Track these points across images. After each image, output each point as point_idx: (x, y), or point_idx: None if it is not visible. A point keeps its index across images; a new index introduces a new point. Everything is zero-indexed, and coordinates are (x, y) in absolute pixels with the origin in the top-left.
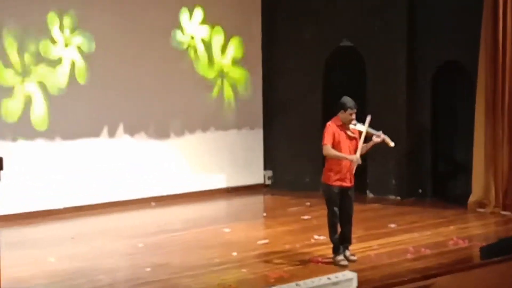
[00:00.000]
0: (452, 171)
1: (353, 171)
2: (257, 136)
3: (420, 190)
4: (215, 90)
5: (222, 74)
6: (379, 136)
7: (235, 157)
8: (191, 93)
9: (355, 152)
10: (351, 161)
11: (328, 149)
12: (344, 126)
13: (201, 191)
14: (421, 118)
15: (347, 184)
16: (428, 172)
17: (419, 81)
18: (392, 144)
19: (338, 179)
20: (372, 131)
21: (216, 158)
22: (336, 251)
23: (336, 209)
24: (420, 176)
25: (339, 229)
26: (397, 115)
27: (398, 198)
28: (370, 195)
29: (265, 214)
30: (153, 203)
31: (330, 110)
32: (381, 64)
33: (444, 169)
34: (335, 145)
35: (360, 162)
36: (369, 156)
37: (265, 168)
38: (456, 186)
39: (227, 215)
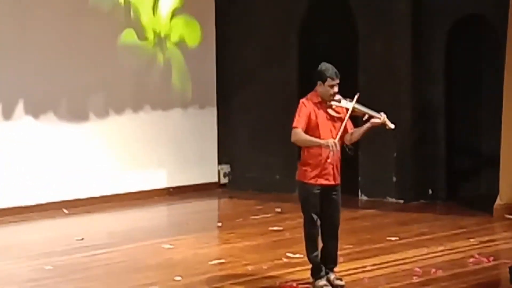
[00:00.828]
0: (473, 166)
1: (339, 167)
2: (209, 118)
3: (430, 191)
4: (151, 56)
5: (159, 37)
6: (376, 117)
7: (179, 146)
8: (117, 60)
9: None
10: (325, 147)
11: (297, 133)
12: (324, 104)
13: (133, 192)
14: (431, 94)
15: (330, 181)
16: (440, 167)
17: (428, 43)
18: (392, 126)
19: (317, 176)
20: (364, 109)
21: (153, 147)
22: (316, 274)
23: (315, 216)
24: (430, 172)
25: (320, 244)
26: (398, 91)
27: (401, 201)
28: (363, 197)
29: (219, 224)
30: (65, 210)
31: (309, 82)
32: (377, 19)
33: (461, 163)
34: (312, 129)
35: (337, 148)
36: (362, 145)
37: (220, 161)
38: (478, 185)
39: (169, 225)
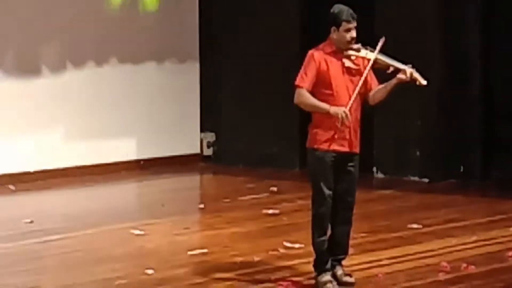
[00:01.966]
0: None
1: (358, 130)
2: (189, 75)
3: (461, 168)
4: None
5: None
6: (403, 71)
7: (152, 109)
8: (73, 3)
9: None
10: (335, 116)
11: (301, 94)
12: (340, 53)
13: (95, 165)
14: (465, 46)
15: (346, 148)
16: (474, 139)
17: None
18: (424, 82)
19: (330, 140)
20: (388, 60)
21: (120, 110)
22: (319, 266)
23: (327, 191)
24: (462, 144)
25: (329, 231)
26: (423, 42)
27: (425, 180)
28: (379, 175)
29: (202, 206)
30: (11, 186)
31: (316, 29)
32: None
33: (501, 133)
34: (324, 85)
35: (350, 118)
36: (377, 111)
37: (203, 128)
38: None
39: (139, 206)
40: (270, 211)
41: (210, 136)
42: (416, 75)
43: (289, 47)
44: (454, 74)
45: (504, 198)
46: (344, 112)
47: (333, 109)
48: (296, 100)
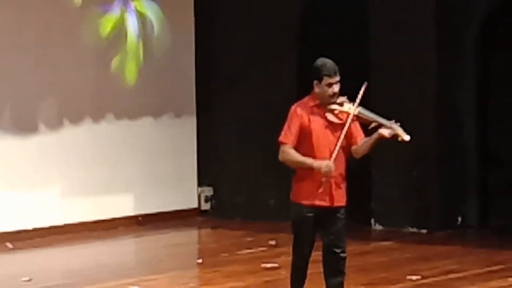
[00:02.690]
0: None
1: (341, 184)
2: (186, 129)
3: (459, 218)
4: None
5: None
6: (385, 127)
7: (149, 164)
8: (73, 58)
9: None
10: (319, 170)
11: (285, 151)
12: (322, 107)
13: (92, 222)
14: (461, 96)
15: (326, 203)
16: (472, 188)
17: (457, 34)
18: (407, 138)
19: (310, 195)
20: (371, 115)
21: (118, 165)
22: None
23: (306, 246)
24: (458, 193)
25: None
26: (420, 92)
27: (423, 231)
28: (377, 226)
29: (200, 261)
30: (9, 244)
31: (311, 83)
32: (393, 4)
33: (498, 181)
34: (306, 140)
35: (333, 172)
36: (375, 161)
37: (201, 183)
38: None
39: (137, 262)
40: (269, 265)
41: (208, 190)
42: (399, 131)
43: (287, 98)
44: (450, 123)
45: (502, 248)
46: (327, 165)
47: (316, 164)
48: (280, 157)
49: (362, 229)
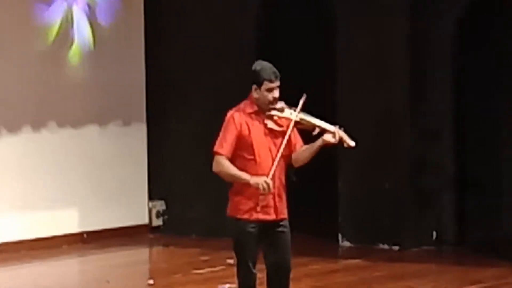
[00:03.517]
0: (490, 201)
1: (283, 195)
2: (136, 138)
3: (434, 233)
4: (58, 57)
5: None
6: (329, 132)
7: (95, 176)
8: (11, 62)
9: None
10: (255, 186)
11: (219, 163)
12: (261, 114)
13: (32, 240)
14: (435, 105)
15: (271, 216)
16: (447, 202)
17: (431, 35)
18: (352, 143)
19: (252, 209)
20: (313, 120)
21: (61, 178)
22: None
23: (251, 263)
24: (433, 209)
25: None
26: (390, 100)
27: (395, 248)
28: (344, 243)
29: (151, 282)
30: None
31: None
32: (361, 3)
33: (475, 197)
34: (245, 148)
35: (271, 189)
36: (342, 172)
37: (152, 197)
38: (497, 227)
39: (82, 284)
40: (227, 286)
41: (160, 205)
42: (344, 136)
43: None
44: (424, 134)
45: (480, 265)
46: (265, 182)
47: (253, 180)
48: (215, 168)
49: (328, 246)
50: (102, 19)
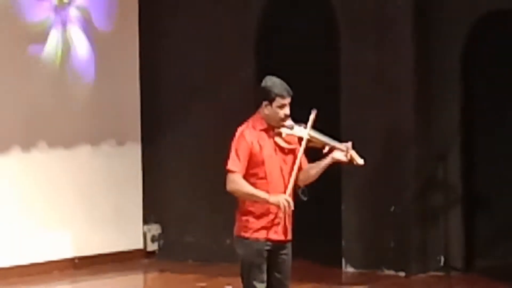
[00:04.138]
0: (501, 225)
1: (291, 213)
2: (130, 159)
3: (442, 258)
4: (48, 74)
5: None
6: (338, 150)
7: (88, 199)
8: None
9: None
10: (276, 206)
11: (234, 181)
12: (271, 131)
13: (22, 266)
14: (443, 123)
15: (281, 237)
16: (455, 226)
17: (438, 51)
18: (361, 162)
19: (263, 228)
20: (323, 138)
21: (52, 200)
22: None
23: (260, 285)
24: (441, 233)
25: None
26: (396, 118)
27: (402, 273)
28: (348, 269)
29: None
30: None
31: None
32: (366, 19)
33: (484, 220)
34: (255, 166)
35: (292, 207)
36: (346, 196)
37: (147, 220)
38: (507, 251)
39: None
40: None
41: (155, 229)
42: (353, 154)
43: (240, 125)
44: (431, 154)
45: None
46: (286, 199)
47: (273, 199)
48: (229, 187)
49: (331, 271)
50: (97, 34)
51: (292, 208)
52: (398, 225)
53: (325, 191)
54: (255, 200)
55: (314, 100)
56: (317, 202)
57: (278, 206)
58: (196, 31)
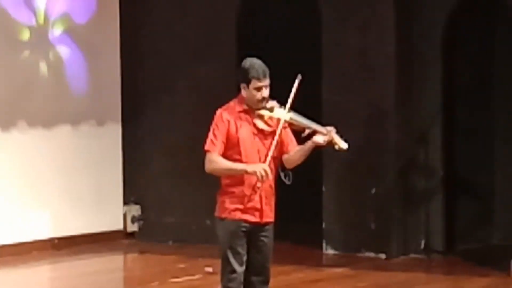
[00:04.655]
0: (481, 207)
1: (271, 198)
2: (110, 139)
3: (422, 242)
4: (28, 52)
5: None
6: (319, 133)
7: (67, 179)
8: None
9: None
10: (253, 174)
11: (212, 160)
12: (251, 113)
13: (2, 246)
14: (424, 105)
15: (256, 218)
16: (436, 209)
17: (420, 32)
18: (344, 146)
19: (239, 210)
20: (304, 121)
21: (31, 180)
22: None
23: (238, 267)
24: (421, 216)
25: None
26: (378, 100)
27: (382, 256)
28: (328, 251)
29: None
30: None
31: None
32: (347, 1)
33: (465, 203)
34: (232, 147)
35: (270, 176)
36: (326, 177)
37: (127, 201)
38: (488, 234)
39: None
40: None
41: (135, 210)
42: (336, 138)
43: (222, 104)
44: (412, 136)
45: (470, 275)
46: (263, 169)
47: (250, 167)
48: (207, 167)
49: (312, 254)
50: (77, 17)
51: (270, 177)
52: (379, 207)
53: (306, 173)
54: (234, 173)
55: (299, 87)
56: (298, 184)
57: (254, 173)
58: (177, 10)
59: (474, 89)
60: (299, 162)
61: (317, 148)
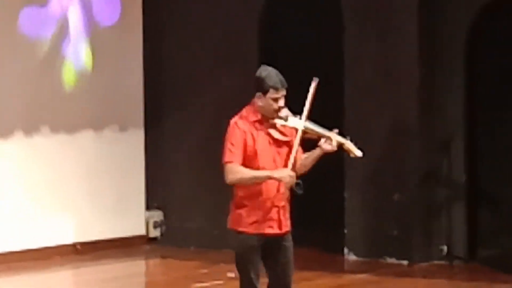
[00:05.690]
0: (505, 214)
1: (287, 207)
2: (133, 145)
3: (444, 248)
4: (51, 57)
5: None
6: (327, 140)
7: (90, 185)
8: (2, 61)
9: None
10: (279, 180)
11: (234, 170)
12: (265, 122)
13: (23, 251)
14: (447, 114)
15: (275, 230)
16: (459, 215)
17: (443, 42)
18: (359, 153)
19: (256, 222)
20: (319, 129)
21: (54, 186)
22: None
23: (254, 279)
24: (444, 222)
25: None
26: (400, 109)
27: (404, 262)
28: (350, 257)
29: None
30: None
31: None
32: (370, 9)
33: (488, 209)
34: (248, 159)
35: (294, 181)
36: (349, 183)
37: (149, 206)
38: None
39: None
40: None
41: (157, 215)
42: (351, 146)
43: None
44: (434, 145)
45: (493, 281)
46: (290, 175)
47: (277, 173)
48: (229, 179)
49: (333, 259)
50: (101, 22)
51: (294, 182)
52: (401, 214)
53: (328, 178)
54: (259, 181)
55: (317, 92)
56: (320, 191)
57: (280, 179)
58: (200, 18)
59: (497, 98)
60: (308, 169)
61: (326, 154)
